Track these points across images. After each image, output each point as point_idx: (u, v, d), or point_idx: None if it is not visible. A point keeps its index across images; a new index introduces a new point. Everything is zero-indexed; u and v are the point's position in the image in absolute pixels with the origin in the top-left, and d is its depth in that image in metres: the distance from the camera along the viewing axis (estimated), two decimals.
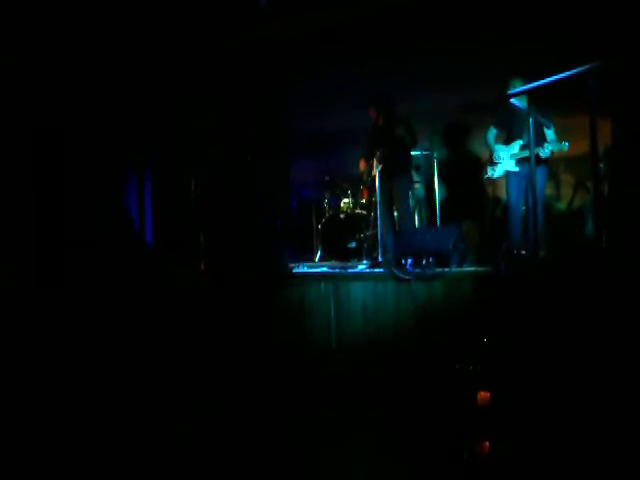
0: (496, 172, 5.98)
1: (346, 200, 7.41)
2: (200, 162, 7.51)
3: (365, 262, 6.21)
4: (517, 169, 5.81)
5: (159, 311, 4.74)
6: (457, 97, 7.21)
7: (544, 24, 6.30)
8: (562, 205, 6.75)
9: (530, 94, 5.32)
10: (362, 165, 6.64)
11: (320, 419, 3.64)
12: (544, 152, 5.46)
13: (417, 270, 4.88)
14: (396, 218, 6.44)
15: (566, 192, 6.75)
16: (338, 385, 4.16)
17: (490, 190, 7.04)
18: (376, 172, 6.18)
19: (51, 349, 3.98)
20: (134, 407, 3.76)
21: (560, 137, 5.59)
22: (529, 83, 4.15)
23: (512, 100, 5.49)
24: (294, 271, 5.62)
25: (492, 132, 6.12)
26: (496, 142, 6.08)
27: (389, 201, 6.31)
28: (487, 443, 2.82)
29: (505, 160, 5.89)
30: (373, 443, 3.26)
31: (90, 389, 3.80)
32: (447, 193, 7.37)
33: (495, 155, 5.98)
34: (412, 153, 6.52)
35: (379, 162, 6.18)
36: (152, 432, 3.49)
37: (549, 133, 5.62)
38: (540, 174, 5.50)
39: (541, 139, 5.56)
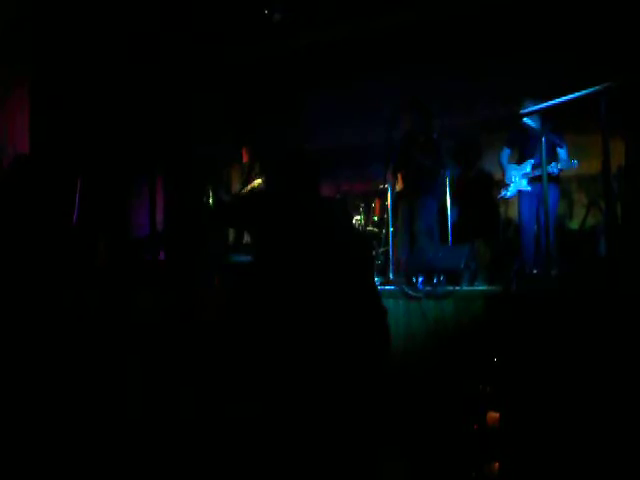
0: (509, 192, 5.96)
1: (358, 217, 7.41)
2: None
3: (376, 279, 6.18)
4: (529, 188, 5.79)
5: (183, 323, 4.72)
6: (469, 116, 7.22)
7: (557, 44, 6.31)
8: (575, 224, 6.71)
9: (543, 113, 5.32)
10: (390, 177, 6.54)
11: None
12: (552, 170, 5.43)
13: (428, 288, 4.87)
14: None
15: (579, 211, 6.71)
16: None
17: (502, 209, 7.02)
18: (399, 188, 6.16)
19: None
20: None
21: (572, 156, 5.57)
22: (542, 103, 4.16)
23: (525, 120, 5.49)
24: None
25: (505, 152, 6.09)
26: (509, 162, 6.05)
27: (410, 219, 6.27)
28: (496, 464, 2.80)
29: (517, 179, 5.87)
30: (380, 460, 3.23)
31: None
32: (459, 212, 7.34)
33: (507, 175, 5.97)
34: (439, 172, 6.37)
35: (403, 179, 6.15)
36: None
37: (561, 152, 5.59)
38: (552, 193, 5.47)
39: (553, 158, 5.54)
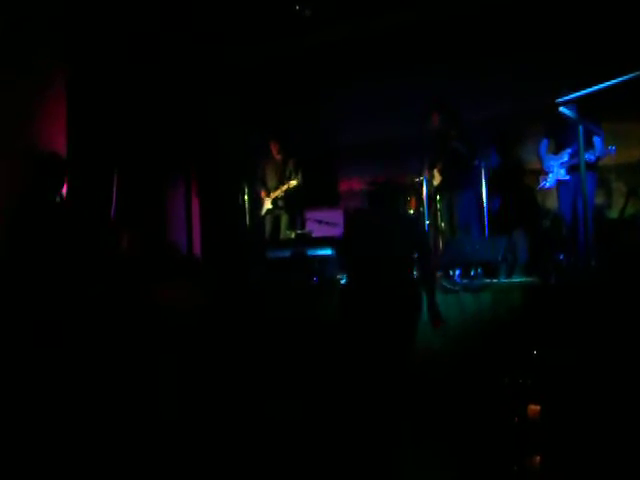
0: (548, 182, 5.90)
1: None
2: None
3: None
4: (568, 178, 5.73)
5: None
6: (506, 106, 7.14)
7: (594, 30, 6.20)
8: (614, 214, 6.60)
9: (579, 102, 5.23)
10: (427, 173, 6.53)
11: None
12: (588, 157, 5.33)
13: (465, 281, 4.85)
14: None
15: (618, 200, 6.60)
16: None
17: (539, 200, 6.93)
18: (437, 182, 6.17)
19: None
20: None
21: (609, 143, 5.48)
22: (579, 91, 4.10)
23: (561, 108, 5.41)
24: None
25: (544, 143, 6.02)
26: (547, 152, 5.98)
27: (449, 213, 6.27)
28: (538, 457, 2.79)
29: (556, 169, 5.81)
30: (424, 454, 3.25)
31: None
32: (497, 203, 7.27)
33: (545, 165, 5.90)
34: (474, 162, 6.33)
35: (440, 174, 6.15)
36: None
37: (597, 141, 5.50)
38: (589, 181, 5.37)
39: (589, 147, 5.45)
